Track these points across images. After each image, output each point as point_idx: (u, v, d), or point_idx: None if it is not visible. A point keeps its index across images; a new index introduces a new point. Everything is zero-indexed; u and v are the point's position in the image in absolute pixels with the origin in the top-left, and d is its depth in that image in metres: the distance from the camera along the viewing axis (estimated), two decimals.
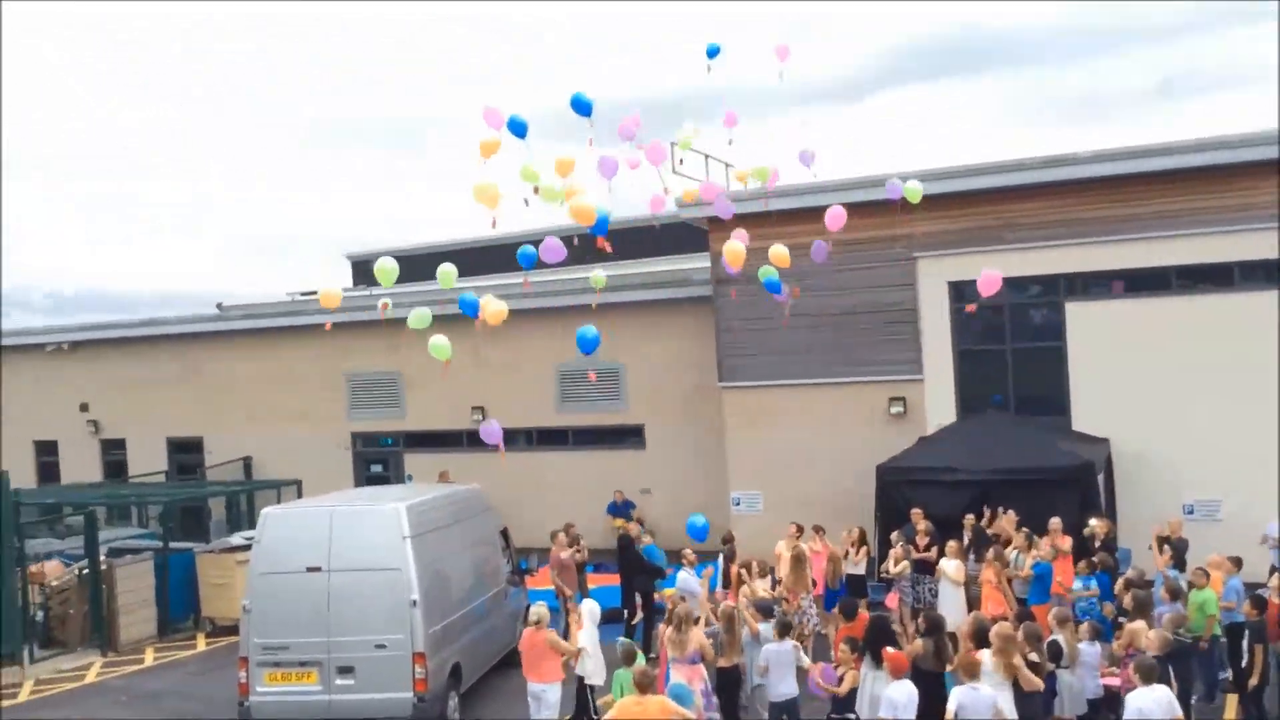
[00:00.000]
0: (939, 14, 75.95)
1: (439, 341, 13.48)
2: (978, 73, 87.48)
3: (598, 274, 15.43)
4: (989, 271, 15.20)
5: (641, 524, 19.37)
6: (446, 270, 13.96)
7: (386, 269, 13.63)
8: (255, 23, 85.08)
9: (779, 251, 15.43)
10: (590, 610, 12.78)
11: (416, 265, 36.52)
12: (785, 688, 11.36)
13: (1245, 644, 11.56)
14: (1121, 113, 76.31)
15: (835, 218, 15.20)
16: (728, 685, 12.11)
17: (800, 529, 16.28)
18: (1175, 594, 11.88)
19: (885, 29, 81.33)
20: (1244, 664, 11.51)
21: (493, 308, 13.06)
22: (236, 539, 20.14)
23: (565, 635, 16.43)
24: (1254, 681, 11.38)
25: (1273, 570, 12.99)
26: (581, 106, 13.62)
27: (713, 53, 14.82)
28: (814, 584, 15.17)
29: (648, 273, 25.53)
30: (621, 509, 23.15)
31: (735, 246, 14.89)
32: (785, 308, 17.31)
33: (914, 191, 14.84)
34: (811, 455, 20.89)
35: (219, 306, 32.25)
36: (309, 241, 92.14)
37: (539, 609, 12.29)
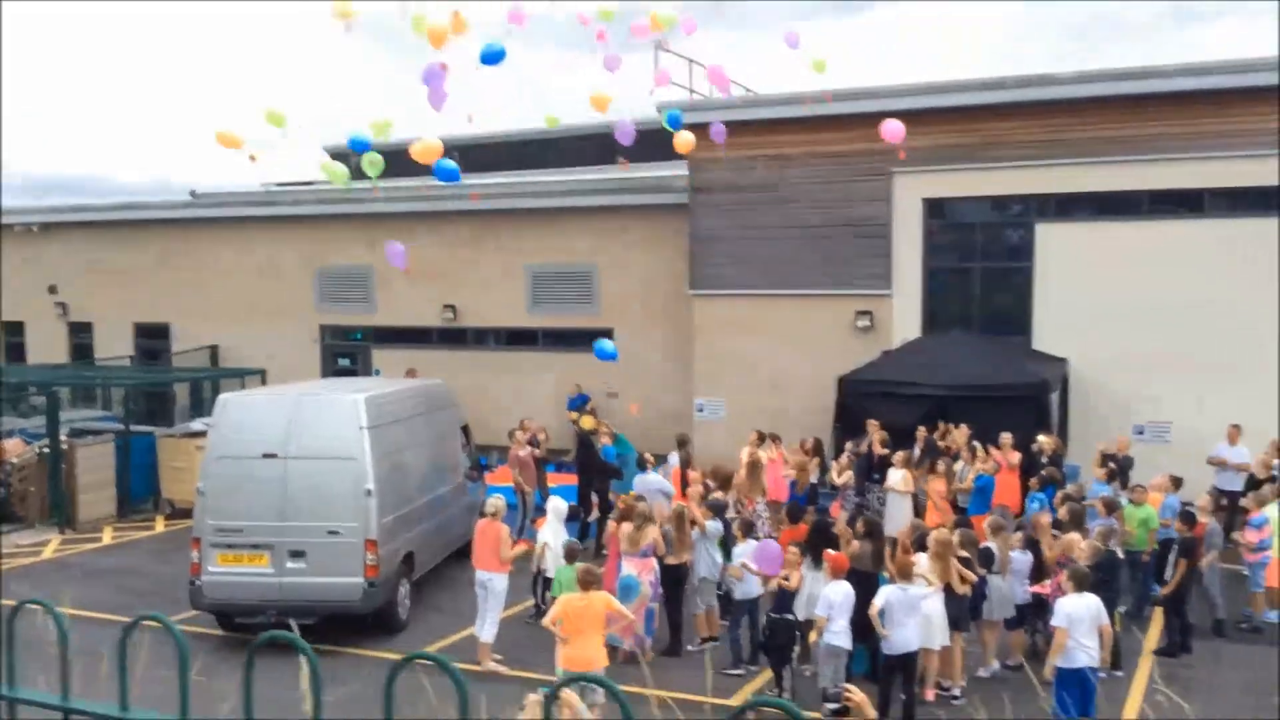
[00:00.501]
0: None
1: (333, 166, 13.30)
2: None
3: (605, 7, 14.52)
4: None
5: (594, 414, 19.65)
6: (336, 169, 13.62)
7: (374, 161, 13.40)
8: None
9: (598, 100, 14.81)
10: (556, 507, 12.91)
11: (397, 159, 36.27)
12: (750, 588, 11.63)
13: (1172, 557, 11.85)
14: (1133, 35, 75.35)
15: (893, 131, 14.98)
16: (673, 582, 12.36)
17: (761, 436, 16.46)
18: (1110, 508, 12.11)
19: None
20: (1176, 579, 11.79)
21: (423, 145, 12.78)
22: (197, 424, 20.17)
23: (522, 532, 16.77)
24: (1167, 591, 11.69)
25: (1214, 495, 13.21)
26: (493, 58, 13.13)
27: (673, 120, 14.84)
28: (765, 490, 15.34)
29: (626, 177, 25.26)
30: (578, 402, 23.21)
31: (685, 137, 14.75)
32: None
33: (819, 63, 14.49)
34: (777, 365, 21.00)
35: (192, 194, 31.80)
36: (291, 135, 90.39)
37: (495, 500, 12.44)
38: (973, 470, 14.17)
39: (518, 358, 25.05)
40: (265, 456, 12.94)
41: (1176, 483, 13.28)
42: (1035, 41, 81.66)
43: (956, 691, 10.67)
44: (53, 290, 30.08)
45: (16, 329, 30.87)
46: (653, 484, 14.92)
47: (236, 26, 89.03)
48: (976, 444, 15.03)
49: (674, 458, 16.33)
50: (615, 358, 15.28)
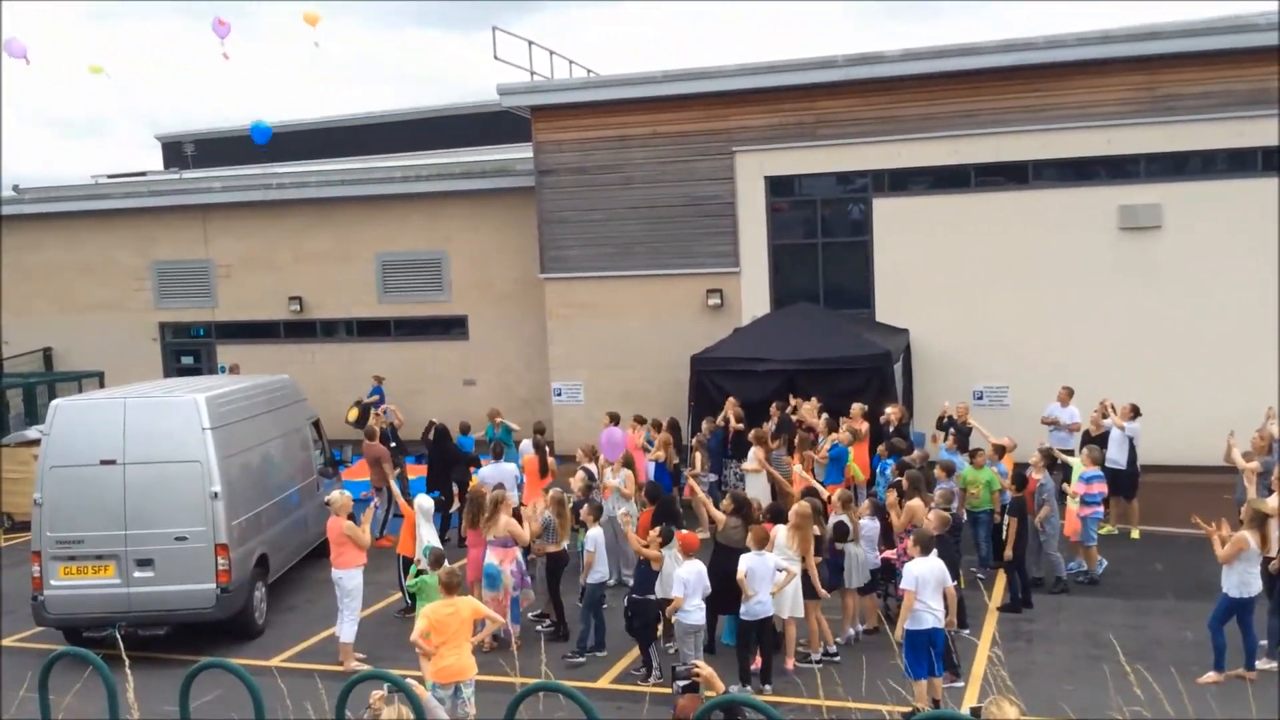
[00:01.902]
0: None
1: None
2: None
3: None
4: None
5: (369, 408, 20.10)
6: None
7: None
8: None
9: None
10: (422, 506, 12.73)
11: (232, 148, 35.18)
12: (600, 573, 11.79)
13: (1004, 518, 12.55)
14: (954, 9, 78.02)
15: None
16: (556, 569, 12.40)
17: (614, 418, 16.67)
18: (949, 471, 12.73)
19: None
20: (1003, 537, 12.49)
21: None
22: (33, 433, 19.24)
23: (385, 527, 16.60)
24: (1009, 554, 12.38)
25: (1045, 453, 13.98)
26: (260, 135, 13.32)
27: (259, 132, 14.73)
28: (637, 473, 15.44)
29: (470, 161, 25.11)
30: (374, 393, 22.60)
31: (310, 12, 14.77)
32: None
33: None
34: (631, 346, 21.25)
35: (15, 189, 30.16)
36: (115, 124, 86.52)
37: (335, 494, 12.27)
38: (828, 441, 14.65)
39: (371, 348, 24.65)
40: (103, 463, 12.50)
41: (999, 451, 13.96)
42: (863, 22, 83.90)
43: (816, 657, 11.09)
44: None
45: None
46: (506, 471, 14.97)
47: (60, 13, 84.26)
48: (825, 415, 15.54)
49: (527, 444, 16.40)
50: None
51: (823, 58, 20.12)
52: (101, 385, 21.57)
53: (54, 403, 13.45)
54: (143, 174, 34.46)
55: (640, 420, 17.01)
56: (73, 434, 12.74)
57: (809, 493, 12.39)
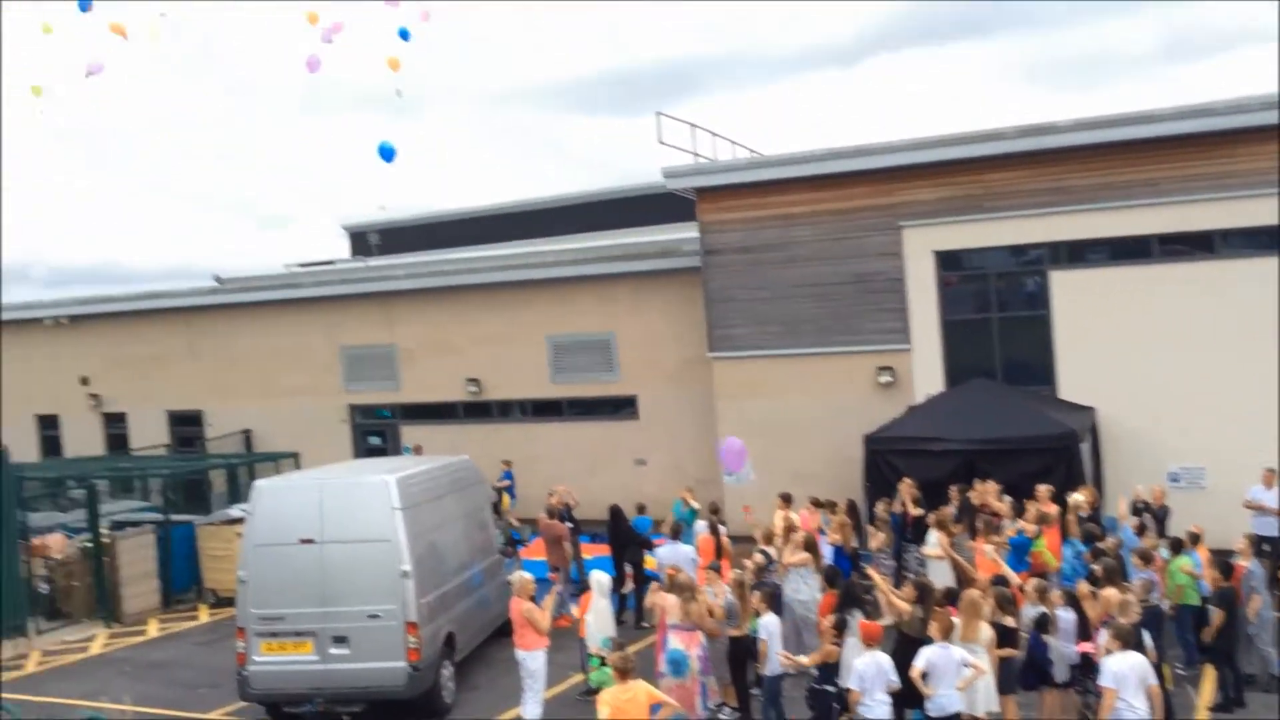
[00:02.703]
0: None
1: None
2: (974, 36, 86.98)
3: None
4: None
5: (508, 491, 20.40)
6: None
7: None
8: None
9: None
10: (598, 581, 12.93)
11: (412, 235, 36.98)
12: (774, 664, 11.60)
13: (1211, 609, 11.84)
14: (1126, 75, 75.96)
15: None
16: (740, 654, 12.06)
17: (786, 499, 16.60)
18: (1146, 559, 12.15)
19: None
20: (1213, 629, 11.77)
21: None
22: (235, 511, 20.43)
23: (562, 606, 16.85)
24: (1207, 641, 11.66)
25: (1252, 540, 13.19)
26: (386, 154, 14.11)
27: (386, 153, 15.30)
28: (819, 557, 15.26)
29: (636, 243, 25.74)
30: (503, 478, 23.17)
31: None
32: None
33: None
34: (801, 425, 21.16)
35: (217, 279, 32.47)
36: (307, 213, 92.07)
37: (517, 575, 12.53)
38: (1011, 530, 14.19)
39: (543, 429, 25.29)
40: (302, 542, 13.14)
41: (1193, 539, 13.16)
42: (1028, 82, 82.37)
43: None
44: (85, 382, 30.58)
45: (51, 422, 31.37)
46: (683, 554, 15.01)
47: (242, 108, 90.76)
48: (1008, 498, 15.08)
49: (702, 525, 16.44)
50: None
51: (990, 130, 19.91)
52: (297, 466, 22.74)
53: (256, 484, 14.26)
54: (331, 262, 36.56)
55: (817, 503, 16.87)
56: (274, 514, 13.46)
57: (998, 581, 12.00)
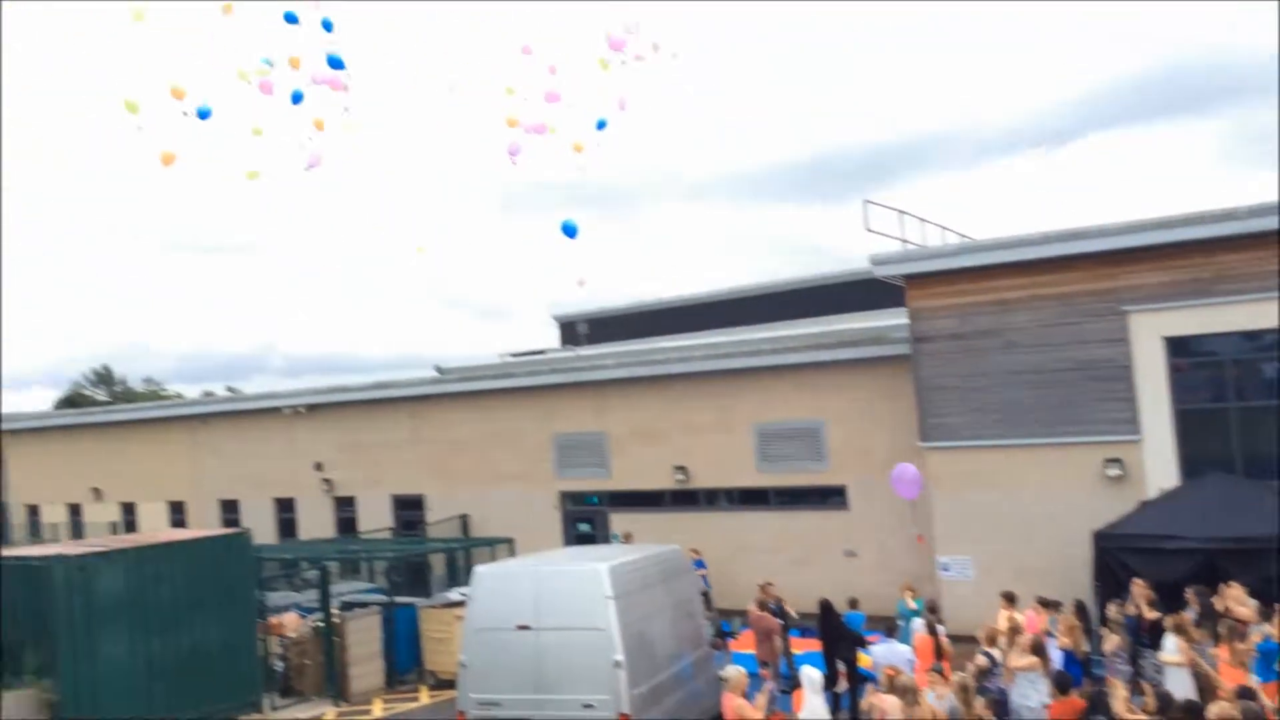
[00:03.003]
0: (1146, 53, 72.70)
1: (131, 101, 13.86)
2: (1186, 114, 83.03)
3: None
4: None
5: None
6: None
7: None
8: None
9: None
10: (810, 678, 12.71)
11: (620, 325, 37.92)
12: None
13: None
14: None
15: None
16: None
17: (1010, 598, 15.87)
18: None
19: (1089, 69, 78.41)
20: None
21: None
22: (454, 594, 21.17)
23: (772, 703, 16.55)
24: None
25: None
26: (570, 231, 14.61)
27: (569, 230, 15.52)
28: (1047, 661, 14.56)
29: (844, 330, 25.55)
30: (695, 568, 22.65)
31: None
32: None
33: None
34: (1023, 520, 20.27)
35: (438, 369, 34.14)
36: (520, 304, 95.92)
37: (731, 670, 12.44)
38: (1259, 635, 13.11)
39: (750, 518, 25.17)
40: (519, 628, 13.45)
41: None
42: (1240, 161, 77.63)
43: None
44: (318, 467, 32.55)
45: (288, 505, 33.46)
46: (900, 653, 14.53)
47: (450, 205, 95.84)
48: (1253, 601, 13.96)
49: (919, 623, 15.90)
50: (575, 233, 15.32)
51: (1221, 210, 18.86)
52: (512, 551, 23.39)
53: (476, 570, 14.75)
54: (542, 352, 37.88)
55: (1044, 602, 16.05)
56: (492, 599, 13.87)
57: (1244, 694, 11.07)
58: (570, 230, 14.90)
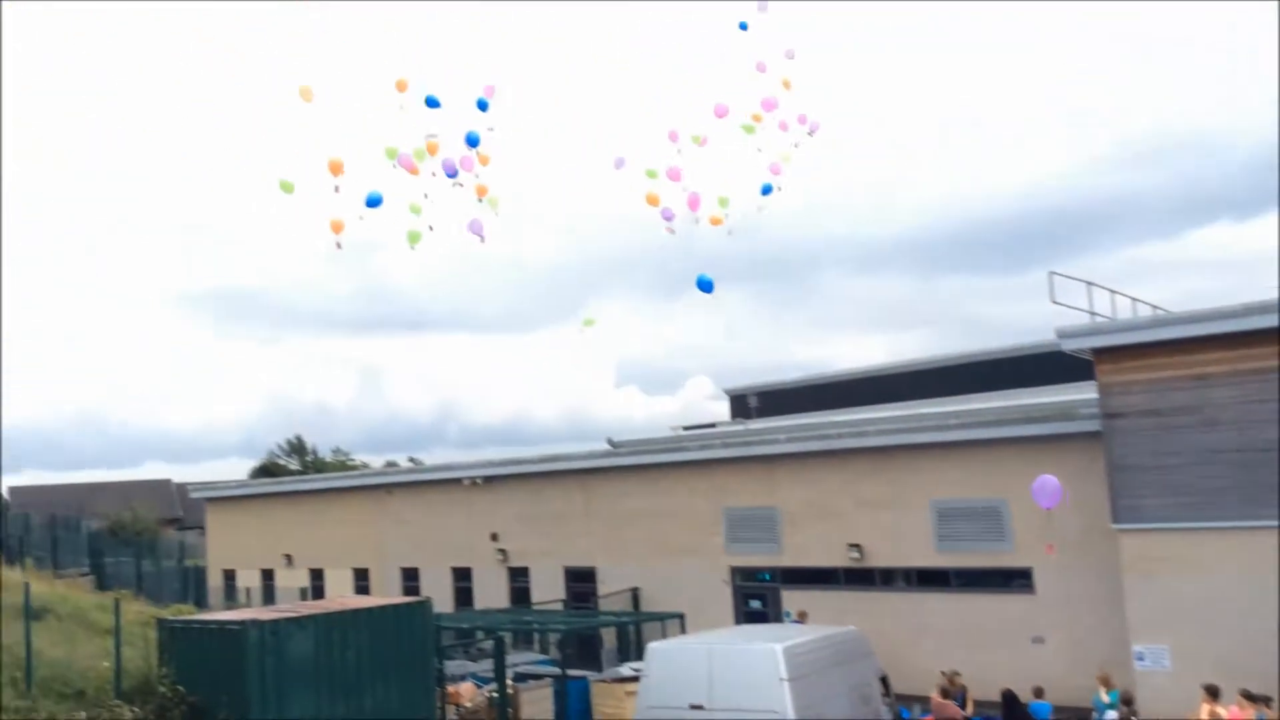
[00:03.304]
0: None
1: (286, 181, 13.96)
2: None
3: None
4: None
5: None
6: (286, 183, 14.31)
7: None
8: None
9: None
10: None
11: (791, 398, 37.66)
12: None
13: None
14: None
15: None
16: None
17: (1212, 691, 14.82)
18: None
19: None
20: None
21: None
22: (626, 669, 21.16)
23: None
24: None
25: None
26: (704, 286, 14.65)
27: (705, 285, 15.30)
28: None
29: (1027, 405, 24.63)
30: None
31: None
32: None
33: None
34: (1224, 607, 18.90)
35: (609, 442, 34.57)
36: (694, 374, 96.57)
37: None
38: None
39: (928, 599, 24.32)
40: (692, 708, 13.36)
41: None
42: None
43: None
44: (494, 538, 33.25)
45: (465, 574, 34.23)
46: None
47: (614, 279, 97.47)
48: None
49: (1113, 716, 14.98)
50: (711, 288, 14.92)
51: None
52: (682, 627, 23.26)
53: (650, 646, 14.78)
54: (713, 425, 37.92)
55: (1249, 696, 14.93)
56: (666, 677, 13.86)
57: None
58: (706, 285, 15.02)
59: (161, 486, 77.75)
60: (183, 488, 70.77)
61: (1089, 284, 23.12)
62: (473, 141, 14.72)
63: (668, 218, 15.64)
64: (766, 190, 15.96)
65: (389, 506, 37.21)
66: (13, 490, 73.03)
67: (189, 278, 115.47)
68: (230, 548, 43.42)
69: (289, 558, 40.23)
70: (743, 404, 40.25)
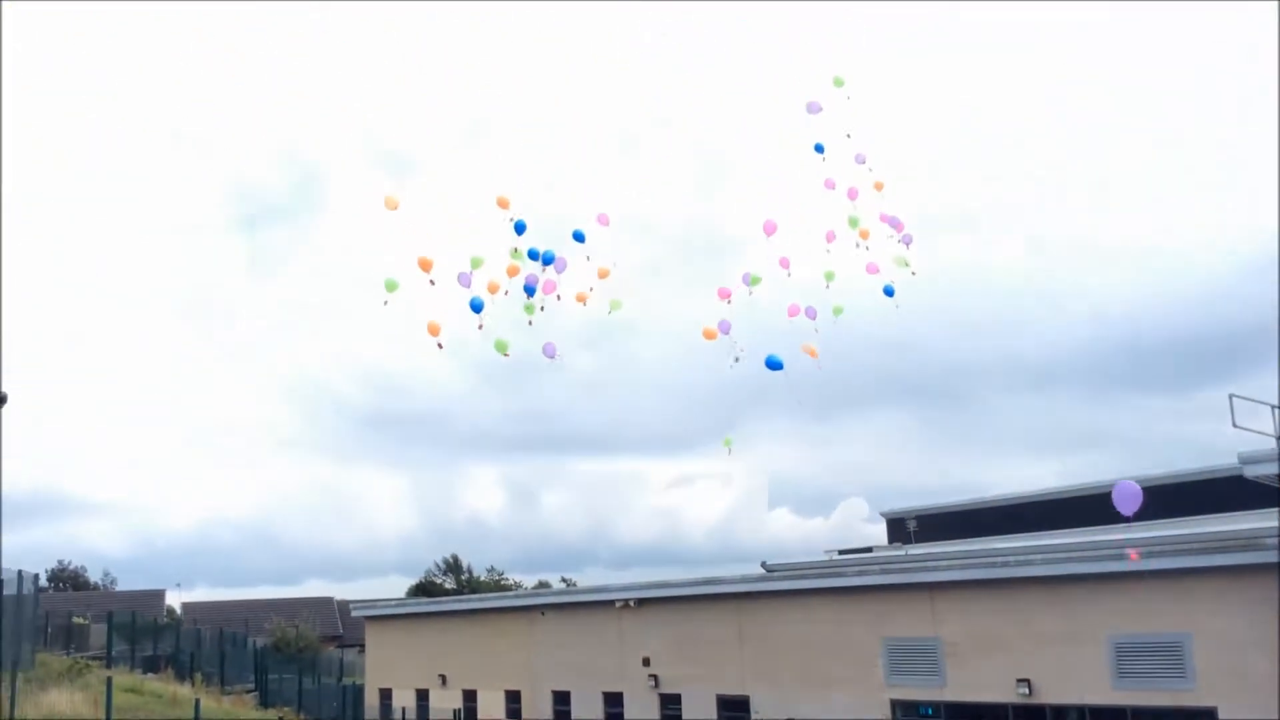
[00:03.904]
0: None
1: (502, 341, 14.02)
2: None
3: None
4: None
5: None
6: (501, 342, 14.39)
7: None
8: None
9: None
10: None
11: (951, 523, 36.48)
12: None
13: None
14: None
15: None
16: None
17: None
18: None
19: None
20: None
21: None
22: None
23: None
24: None
25: None
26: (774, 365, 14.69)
27: (774, 364, 15.21)
28: None
29: (1211, 533, 23.21)
30: None
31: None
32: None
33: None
34: None
35: (764, 566, 34.01)
36: (847, 495, 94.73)
37: None
38: None
39: None
40: None
41: None
42: None
43: None
44: (646, 662, 32.84)
45: (616, 699, 33.80)
46: None
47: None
48: None
49: None
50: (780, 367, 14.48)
51: None
52: None
53: None
54: (869, 549, 36.95)
55: None
56: None
57: None
58: (775, 364, 15.08)
59: (324, 604, 79.97)
60: (344, 605, 72.65)
61: (1274, 406, 21.94)
62: (548, 260, 15.27)
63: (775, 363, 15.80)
64: (889, 291, 15.91)
65: (541, 628, 37.26)
66: (185, 606, 76.22)
67: (354, 400, 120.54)
68: (387, 666, 44.07)
69: (443, 678, 40.52)
70: (901, 528, 39.18)
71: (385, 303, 15.22)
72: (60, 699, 21.31)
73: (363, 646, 48.52)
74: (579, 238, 15.22)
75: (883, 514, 41.36)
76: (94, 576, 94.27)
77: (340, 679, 47.45)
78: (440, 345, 15.42)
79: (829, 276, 16.57)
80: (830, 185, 15.88)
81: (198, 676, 35.78)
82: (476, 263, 15.30)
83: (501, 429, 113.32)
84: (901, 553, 32.52)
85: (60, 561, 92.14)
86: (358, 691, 44.54)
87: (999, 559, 25.66)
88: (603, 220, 15.37)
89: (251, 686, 41.56)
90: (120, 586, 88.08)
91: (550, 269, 15.50)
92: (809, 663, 28.66)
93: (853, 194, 15.84)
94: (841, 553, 36.44)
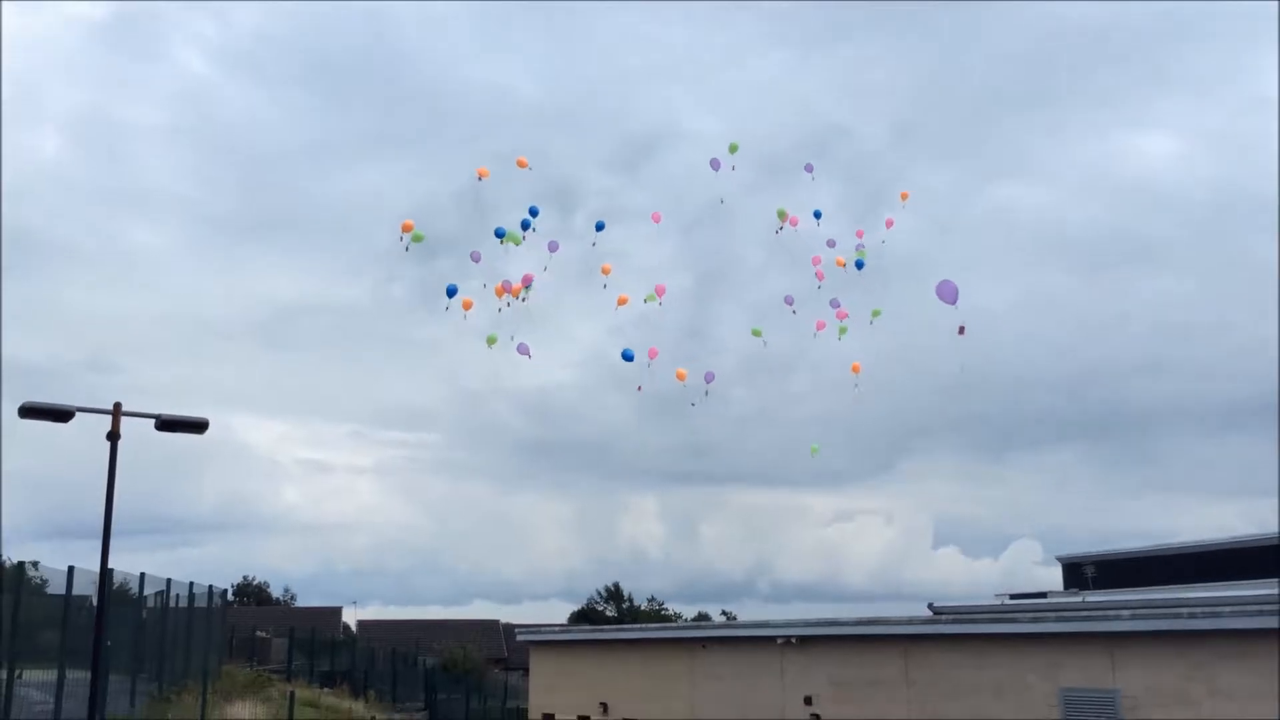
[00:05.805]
0: None
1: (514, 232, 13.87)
2: None
3: None
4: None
5: None
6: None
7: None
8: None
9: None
10: None
11: (1132, 569, 34.73)
12: None
13: None
14: None
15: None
16: None
17: None
18: None
19: None
20: None
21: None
22: None
23: None
24: None
25: None
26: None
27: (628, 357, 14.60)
28: None
29: None
30: None
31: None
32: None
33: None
34: None
35: (931, 607, 33.08)
36: (1018, 537, 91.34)
37: None
38: None
39: None
40: None
41: None
42: None
43: None
44: (808, 701, 32.30)
45: None
46: None
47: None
48: None
49: None
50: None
51: None
52: None
53: None
54: (1044, 595, 35.51)
55: None
56: None
57: None
58: (627, 356, 14.98)
59: (490, 627, 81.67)
60: (509, 628, 74.15)
61: None
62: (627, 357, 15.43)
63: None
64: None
65: (702, 661, 37.10)
66: (360, 624, 79.14)
67: (516, 426, 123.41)
68: (550, 691, 44.62)
69: (605, 706, 40.77)
70: (1077, 573, 37.52)
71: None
72: (244, 710, 22.42)
73: (526, 670, 49.31)
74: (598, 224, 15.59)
75: (1059, 558, 39.74)
76: (275, 592, 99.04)
77: (505, 702, 48.31)
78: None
79: None
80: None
81: (371, 693, 37.08)
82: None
83: (661, 460, 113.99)
84: (1079, 599, 31.11)
85: (245, 576, 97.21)
86: (521, 715, 45.26)
87: (1184, 610, 24.27)
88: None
89: (422, 705, 42.82)
90: (299, 603, 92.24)
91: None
92: (979, 709, 27.64)
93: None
94: (1013, 597, 35.14)
